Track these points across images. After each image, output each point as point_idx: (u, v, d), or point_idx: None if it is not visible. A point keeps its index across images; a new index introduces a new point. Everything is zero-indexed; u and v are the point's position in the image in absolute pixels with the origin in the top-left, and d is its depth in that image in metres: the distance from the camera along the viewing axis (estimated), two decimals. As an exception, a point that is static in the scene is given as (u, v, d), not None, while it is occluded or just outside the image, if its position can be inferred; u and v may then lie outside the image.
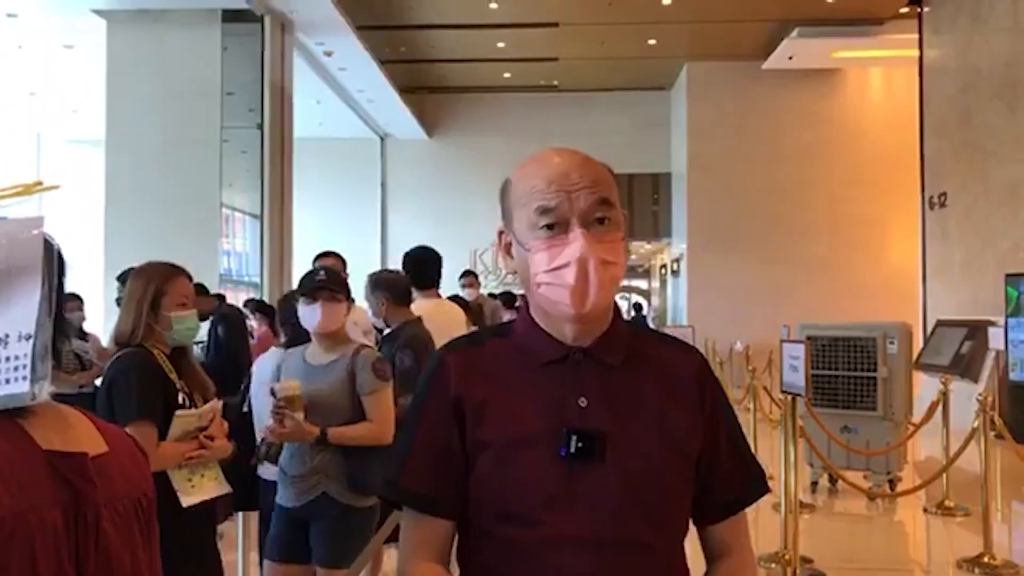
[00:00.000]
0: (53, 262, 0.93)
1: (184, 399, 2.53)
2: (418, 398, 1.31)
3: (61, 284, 0.99)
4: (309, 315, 2.90)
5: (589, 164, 1.27)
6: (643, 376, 1.28)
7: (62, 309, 0.99)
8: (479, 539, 1.26)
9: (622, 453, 1.21)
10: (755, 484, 1.35)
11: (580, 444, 1.19)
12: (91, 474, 0.94)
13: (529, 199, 1.25)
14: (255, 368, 3.67)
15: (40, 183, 0.97)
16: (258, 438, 3.13)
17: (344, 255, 4.62)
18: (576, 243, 1.20)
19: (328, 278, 2.95)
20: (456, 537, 1.30)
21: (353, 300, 3.15)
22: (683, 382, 1.29)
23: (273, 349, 3.68)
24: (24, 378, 0.88)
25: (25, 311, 0.89)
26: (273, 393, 2.84)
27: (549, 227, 1.22)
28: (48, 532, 0.88)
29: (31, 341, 0.88)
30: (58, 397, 1.01)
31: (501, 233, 1.32)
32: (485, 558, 1.25)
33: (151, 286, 2.56)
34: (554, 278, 1.22)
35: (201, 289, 6.31)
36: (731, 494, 1.33)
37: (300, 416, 2.83)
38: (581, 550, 1.19)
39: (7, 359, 0.89)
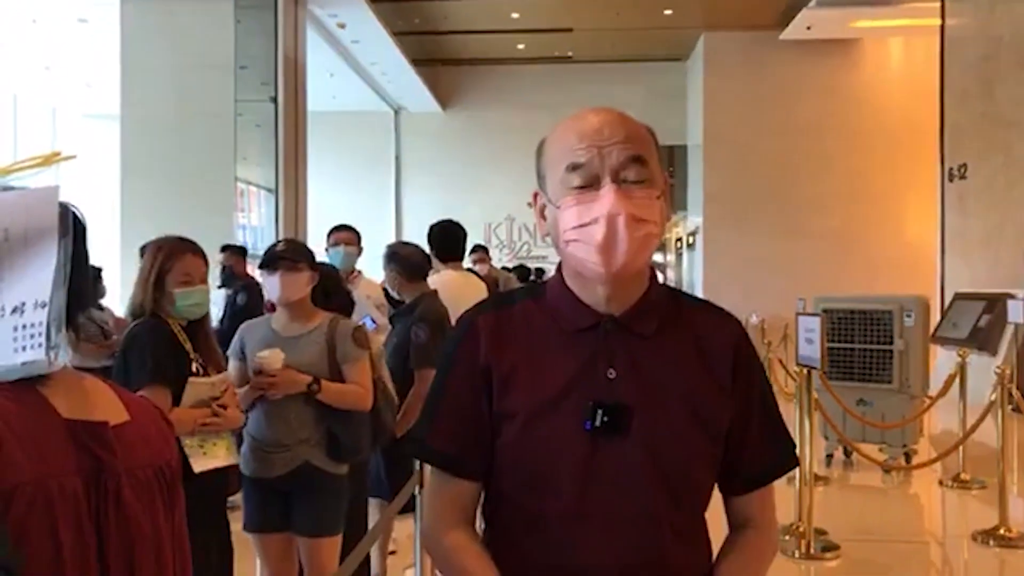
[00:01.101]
0: (69, 230, 0.94)
1: (198, 369, 2.57)
2: (447, 359, 1.30)
3: (83, 252, 0.99)
4: (270, 286, 2.90)
5: (624, 121, 1.23)
6: (676, 347, 1.25)
7: (83, 278, 0.99)
8: (502, 505, 1.26)
9: (648, 428, 1.19)
10: (784, 457, 1.33)
11: (606, 418, 1.18)
12: (111, 442, 0.95)
13: (561, 156, 1.22)
14: None
15: (58, 154, 0.97)
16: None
17: (358, 228, 4.64)
18: (605, 198, 1.17)
19: (287, 247, 2.95)
20: (483, 496, 1.30)
21: (315, 268, 3.10)
22: (718, 351, 1.27)
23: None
24: (40, 345, 0.89)
25: (41, 279, 0.90)
26: (257, 369, 2.82)
27: (580, 185, 1.19)
28: (69, 499, 0.89)
29: (46, 309, 0.89)
30: (85, 370, 1.02)
31: (536, 195, 1.29)
32: (508, 524, 1.25)
33: (156, 262, 2.59)
34: (582, 235, 1.18)
35: (239, 252, 6.32)
36: (760, 467, 1.31)
37: None
38: (602, 524, 1.18)
39: (24, 327, 0.89)
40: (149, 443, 1.01)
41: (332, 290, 3.40)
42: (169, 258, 2.59)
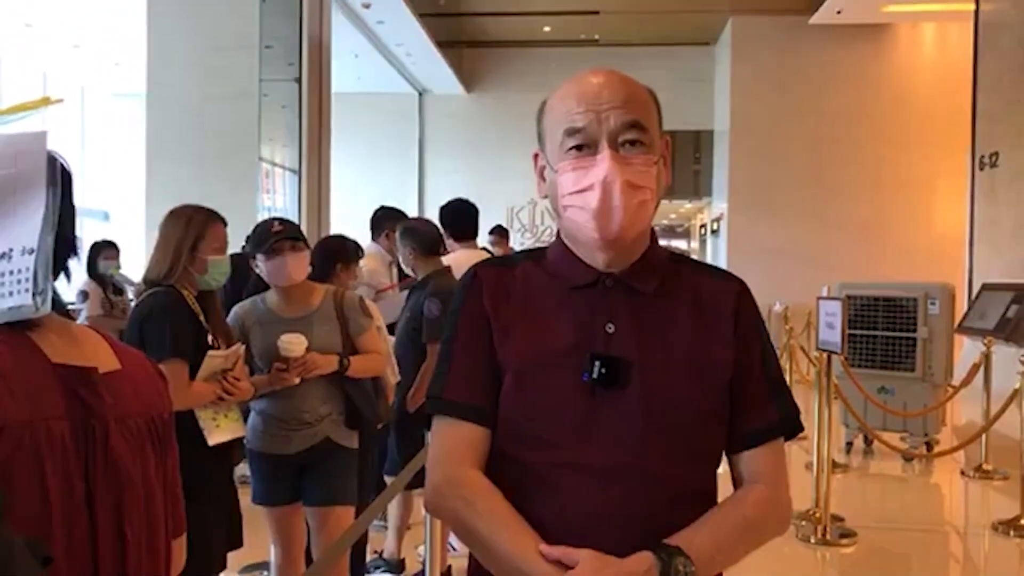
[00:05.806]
0: (57, 178, 0.93)
1: (213, 341, 2.57)
2: (454, 312, 1.29)
3: (69, 201, 0.98)
4: (276, 269, 2.84)
5: (625, 83, 1.22)
6: (676, 304, 1.24)
7: (70, 226, 0.99)
8: (499, 461, 1.23)
9: (648, 381, 1.18)
10: (786, 418, 1.28)
11: (604, 370, 1.17)
12: (99, 388, 0.95)
13: (560, 119, 1.21)
14: None
15: (48, 98, 0.97)
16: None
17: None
18: (601, 164, 1.16)
19: (286, 228, 2.90)
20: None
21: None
22: (718, 310, 1.25)
23: None
24: (27, 291, 0.89)
25: (29, 225, 0.90)
26: (279, 354, 2.79)
27: (578, 148, 1.19)
28: (56, 443, 0.89)
29: (33, 255, 0.89)
30: None
31: (536, 155, 1.29)
32: (502, 481, 1.22)
33: (191, 229, 2.58)
34: (578, 200, 1.18)
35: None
36: (760, 422, 1.26)
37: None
38: (599, 478, 1.16)
39: (11, 272, 0.89)
40: (140, 393, 1.01)
41: (338, 256, 3.46)
42: (204, 225, 2.59)
